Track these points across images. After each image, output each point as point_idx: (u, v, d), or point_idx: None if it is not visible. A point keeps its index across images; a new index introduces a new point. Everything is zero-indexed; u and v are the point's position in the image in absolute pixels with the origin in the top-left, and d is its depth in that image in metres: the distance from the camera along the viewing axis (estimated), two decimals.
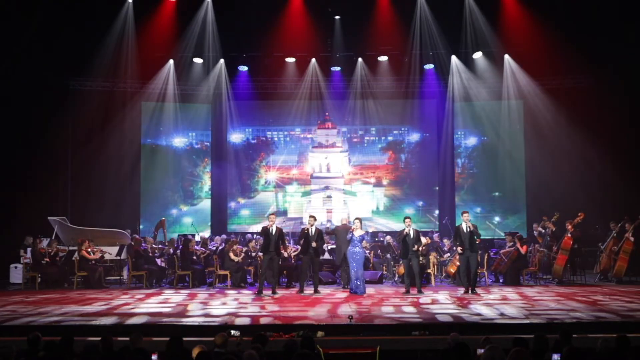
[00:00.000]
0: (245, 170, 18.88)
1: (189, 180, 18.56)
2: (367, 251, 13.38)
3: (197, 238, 15.61)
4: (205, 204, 18.60)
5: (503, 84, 17.20)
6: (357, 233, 11.61)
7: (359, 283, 11.41)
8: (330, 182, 18.96)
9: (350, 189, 18.85)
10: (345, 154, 18.85)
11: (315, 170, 19.00)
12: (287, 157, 18.98)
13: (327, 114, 18.58)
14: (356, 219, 12.02)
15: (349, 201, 18.51)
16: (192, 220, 17.69)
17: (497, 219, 17.81)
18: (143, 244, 13.92)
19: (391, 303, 10.34)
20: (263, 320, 8.71)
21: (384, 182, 18.83)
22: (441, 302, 10.44)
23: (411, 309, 9.62)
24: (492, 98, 17.57)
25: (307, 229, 11.95)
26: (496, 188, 18.15)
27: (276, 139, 18.93)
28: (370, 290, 11.85)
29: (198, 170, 18.62)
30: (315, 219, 12.22)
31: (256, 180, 19.01)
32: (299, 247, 12.75)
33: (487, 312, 9.16)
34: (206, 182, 18.65)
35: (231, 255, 12.97)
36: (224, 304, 10.45)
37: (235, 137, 18.74)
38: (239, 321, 8.63)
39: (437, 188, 18.34)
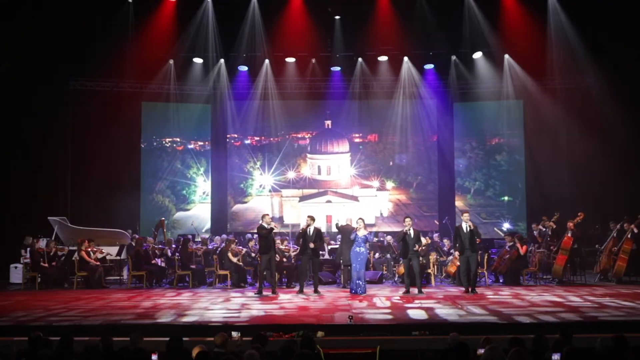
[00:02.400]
0: (239, 173, 18.11)
1: (182, 184, 17.89)
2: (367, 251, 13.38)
3: (198, 239, 15.60)
4: (199, 209, 17.88)
5: (503, 83, 17.18)
6: (361, 233, 11.61)
7: (360, 283, 11.42)
8: (331, 186, 18.22)
9: (351, 193, 18.10)
10: (347, 156, 18.25)
11: (314, 174, 18.33)
12: (284, 159, 18.22)
13: (328, 112, 18.15)
14: (359, 219, 12.02)
15: (350, 207, 17.86)
16: (192, 221, 17.47)
17: (506, 225, 17.11)
18: (145, 244, 13.90)
19: (391, 303, 10.35)
20: (263, 320, 8.71)
21: (388, 186, 18.14)
22: (438, 302, 10.45)
23: (410, 309, 9.63)
24: (492, 98, 17.53)
25: (305, 229, 11.93)
26: (505, 192, 17.53)
27: (272, 139, 18.21)
28: (370, 290, 11.84)
29: (191, 172, 18.01)
30: (313, 219, 12.11)
31: (250, 184, 18.25)
32: (298, 247, 12.74)
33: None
34: (200, 186, 18.05)
35: (230, 256, 12.95)
36: (223, 304, 10.45)
37: (232, 137, 18.20)
38: (239, 321, 8.63)
39: (437, 191, 18.00)
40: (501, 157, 17.83)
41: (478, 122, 17.87)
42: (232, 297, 11.29)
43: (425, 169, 18.21)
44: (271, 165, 18.26)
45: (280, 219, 17.90)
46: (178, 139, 18.00)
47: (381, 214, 18.12)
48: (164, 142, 17.91)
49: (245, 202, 18.31)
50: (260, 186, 18.30)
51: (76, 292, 12.19)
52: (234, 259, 12.97)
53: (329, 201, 18.14)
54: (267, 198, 18.27)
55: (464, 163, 18.07)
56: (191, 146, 18.16)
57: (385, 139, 18.30)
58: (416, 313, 9.24)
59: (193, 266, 13.43)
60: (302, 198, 18.25)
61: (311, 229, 11.87)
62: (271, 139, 18.31)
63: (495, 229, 16.40)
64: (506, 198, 17.71)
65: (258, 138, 18.36)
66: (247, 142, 18.39)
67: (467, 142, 18.06)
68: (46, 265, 13.12)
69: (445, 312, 9.25)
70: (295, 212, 17.97)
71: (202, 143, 18.20)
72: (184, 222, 17.54)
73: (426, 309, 9.53)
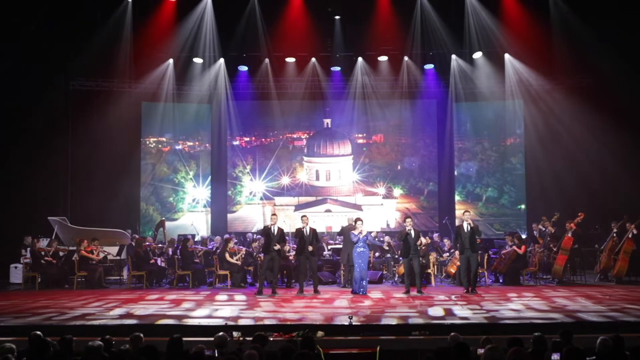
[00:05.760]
0: (227, 178, 16.92)
1: (169, 190, 16.89)
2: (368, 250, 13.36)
3: (197, 238, 15.58)
4: (188, 218, 16.76)
5: (505, 83, 17.09)
6: (363, 233, 11.60)
7: (363, 283, 11.44)
8: (330, 193, 17.08)
9: (354, 201, 16.96)
10: (349, 159, 17.33)
11: (311, 179, 17.13)
12: (277, 163, 16.98)
13: (327, 109, 17.62)
14: (357, 219, 12.01)
15: (352, 216, 15.83)
16: (192, 221, 17.20)
17: (523, 237, 15.02)
18: (145, 244, 13.90)
19: (391, 303, 10.35)
20: (263, 321, 8.70)
21: (396, 193, 16.92)
22: (438, 301, 10.46)
23: (411, 310, 9.64)
24: (493, 98, 17.49)
25: (303, 228, 11.91)
26: (522, 200, 16.54)
27: (264, 140, 17.14)
28: (370, 290, 11.83)
29: (179, 177, 17.08)
30: (308, 219, 12.11)
31: (239, 191, 17.05)
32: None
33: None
34: (190, 192, 17.13)
35: (227, 257, 12.91)
36: (224, 304, 10.44)
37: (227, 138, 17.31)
38: (239, 321, 8.63)
39: (436, 192, 17.47)
40: (517, 159, 16.93)
41: (484, 122, 17.51)
42: (232, 297, 11.28)
43: (425, 170, 17.30)
44: (263, 170, 17.13)
45: None
46: (164, 139, 16.96)
47: (387, 224, 16.93)
48: (147, 142, 16.87)
49: (234, 212, 17.08)
50: (251, 193, 17.10)
51: (76, 292, 12.18)
52: (232, 260, 12.92)
53: (328, 210, 16.95)
54: (258, 207, 16.99)
55: (474, 167, 17.21)
56: (179, 147, 17.08)
57: (392, 140, 17.33)
58: (416, 313, 9.25)
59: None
60: (298, 207, 16.90)
61: (307, 229, 11.86)
62: (263, 139, 17.18)
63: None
64: (523, 206, 16.71)
65: (248, 139, 17.22)
66: (236, 143, 17.16)
67: (478, 142, 17.21)
68: (46, 264, 13.11)
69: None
70: (291, 223, 16.08)
71: (191, 143, 17.02)
72: (171, 232, 15.80)
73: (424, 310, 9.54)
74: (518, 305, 9.76)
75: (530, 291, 11.60)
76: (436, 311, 9.38)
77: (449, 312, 9.25)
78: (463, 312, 9.25)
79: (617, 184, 15.32)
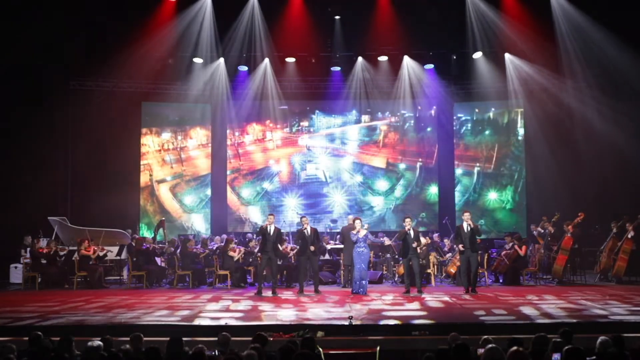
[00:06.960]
0: (226, 178, 17.00)
1: (168, 190, 16.77)
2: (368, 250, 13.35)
3: (197, 238, 15.54)
4: (185, 219, 16.80)
5: (507, 82, 17.06)
6: (362, 233, 11.61)
7: (363, 283, 11.44)
8: (331, 193, 17.21)
9: (356, 202, 17.08)
10: (350, 160, 17.43)
11: (312, 180, 17.20)
12: (276, 163, 17.05)
13: (327, 109, 17.69)
14: (356, 219, 12.02)
15: (352, 217, 15.92)
16: (192, 222, 17.23)
17: (523, 238, 14.94)
18: (145, 244, 13.89)
19: (392, 303, 10.34)
20: (263, 321, 8.70)
21: (398, 194, 17.03)
22: (437, 301, 10.46)
23: (413, 310, 9.63)
24: (493, 98, 17.48)
25: (304, 229, 11.93)
26: (522, 200, 16.33)
27: (264, 140, 17.21)
28: (370, 290, 11.83)
29: (179, 176, 17.01)
30: (307, 220, 12.12)
31: (238, 192, 17.13)
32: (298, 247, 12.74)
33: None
34: (189, 192, 17.10)
35: (230, 252, 12.97)
36: (223, 304, 10.45)
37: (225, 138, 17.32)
38: (238, 321, 8.62)
39: (437, 192, 17.51)
40: (518, 159, 16.97)
41: (484, 122, 17.50)
42: (232, 297, 11.28)
43: (441, 175, 17.29)
44: (262, 170, 17.24)
45: None
46: (163, 139, 17.04)
47: (389, 226, 17.07)
48: (147, 141, 16.96)
49: (234, 212, 17.23)
50: (250, 194, 17.24)
51: (76, 292, 12.18)
52: (235, 255, 12.97)
53: (328, 211, 17.10)
54: (257, 207, 17.16)
55: (474, 167, 17.19)
56: (179, 147, 17.08)
57: (392, 140, 17.45)
58: (416, 313, 9.25)
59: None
60: (298, 207, 17.03)
61: (308, 230, 11.88)
62: (262, 139, 17.31)
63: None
64: (524, 207, 16.62)
65: (247, 139, 17.32)
66: (235, 143, 17.27)
67: (479, 142, 17.24)
68: (46, 264, 13.12)
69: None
70: (290, 223, 16.35)
71: (190, 143, 17.03)
72: (170, 232, 15.62)
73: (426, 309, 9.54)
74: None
75: (529, 291, 11.59)
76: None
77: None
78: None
79: (620, 184, 15.31)
